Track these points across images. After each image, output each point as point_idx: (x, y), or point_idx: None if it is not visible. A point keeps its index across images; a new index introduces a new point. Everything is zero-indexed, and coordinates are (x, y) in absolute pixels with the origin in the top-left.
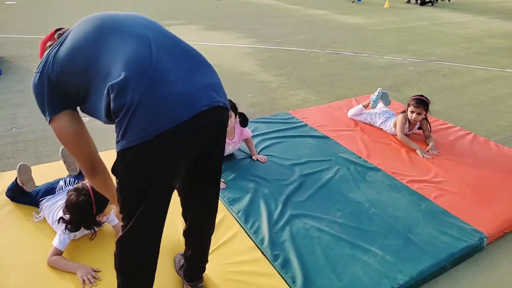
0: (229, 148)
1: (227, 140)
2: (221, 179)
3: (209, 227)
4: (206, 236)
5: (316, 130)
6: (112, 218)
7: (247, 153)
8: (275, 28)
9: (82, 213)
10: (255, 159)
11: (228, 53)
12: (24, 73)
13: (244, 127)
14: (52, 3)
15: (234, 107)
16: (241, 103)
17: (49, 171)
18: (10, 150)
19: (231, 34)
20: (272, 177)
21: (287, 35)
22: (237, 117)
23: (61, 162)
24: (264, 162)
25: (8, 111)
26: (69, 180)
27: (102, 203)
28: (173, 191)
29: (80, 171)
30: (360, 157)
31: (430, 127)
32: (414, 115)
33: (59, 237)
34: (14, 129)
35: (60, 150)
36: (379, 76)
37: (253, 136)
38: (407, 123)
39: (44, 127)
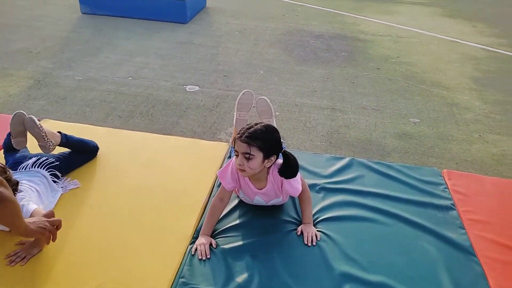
0: (255, 199)
1: (252, 187)
2: (214, 241)
3: None
4: None
5: (463, 228)
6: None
7: (299, 219)
8: None
9: None
10: (298, 233)
11: (444, 53)
12: (202, 27)
13: (286, 178)
14: None
15: (264, 141)
16: (389, 129)
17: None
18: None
19: (475, 26)
20: (286, 280)
21: None
22: (273, 158)
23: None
24: (306, 245)
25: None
26: (42, 161)
27: None
28: None
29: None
30: None
31: None
32: None
33: None
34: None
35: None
36: None
37: (338, 191)
38: None
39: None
